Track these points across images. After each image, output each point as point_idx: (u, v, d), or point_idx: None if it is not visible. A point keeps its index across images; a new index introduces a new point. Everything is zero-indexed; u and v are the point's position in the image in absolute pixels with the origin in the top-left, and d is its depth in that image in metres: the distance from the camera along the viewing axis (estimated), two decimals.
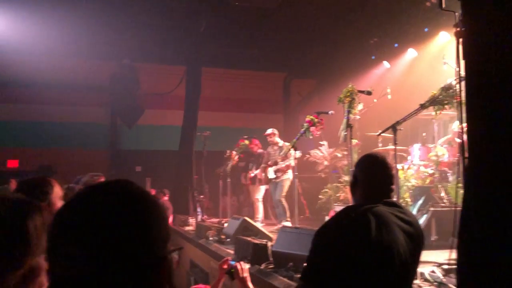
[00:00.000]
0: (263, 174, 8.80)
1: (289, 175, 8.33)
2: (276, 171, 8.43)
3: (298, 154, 8.10)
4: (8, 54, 10.85)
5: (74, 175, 5.46)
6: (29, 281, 1.01)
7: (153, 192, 10.79)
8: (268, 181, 8.70)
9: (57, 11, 9.74)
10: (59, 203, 2.25)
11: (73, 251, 0.80)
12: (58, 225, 0.84)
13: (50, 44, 10.65)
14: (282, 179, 8.37)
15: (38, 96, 12.19)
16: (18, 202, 1.08)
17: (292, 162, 8.05)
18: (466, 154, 2.46)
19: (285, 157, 8.18)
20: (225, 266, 2.96)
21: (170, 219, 10.31)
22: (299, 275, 1.94)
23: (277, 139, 8.65)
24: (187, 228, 9.33)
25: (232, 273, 2.81)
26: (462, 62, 2.53)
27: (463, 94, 2.61)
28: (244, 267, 2.82)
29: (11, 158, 12.45)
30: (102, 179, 5.06)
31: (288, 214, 8.02)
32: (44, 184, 2.32)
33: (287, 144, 8.30)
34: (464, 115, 2.54)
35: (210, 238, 6.84)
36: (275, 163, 8.39)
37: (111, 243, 0.80)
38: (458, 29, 2.64)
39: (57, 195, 2.34)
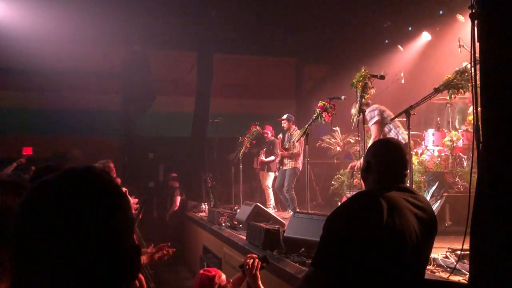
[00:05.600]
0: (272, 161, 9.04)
1: (288, 165, 8.55)
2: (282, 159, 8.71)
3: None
4: (20, 42, 10.92)
5: (88, 162, 5.51)
6: None
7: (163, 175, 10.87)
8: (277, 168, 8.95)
9: None
10: None
11: (40, 247, 0.78)
12: (23, 221, 0.81)
13: (61, 31, 10.67)
14: (286, 168, 8.58)
15: (50, 84, 12.26)
16: None
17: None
18: (481, 139, 2.41)
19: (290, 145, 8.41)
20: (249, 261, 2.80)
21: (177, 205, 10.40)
22: (310, 261, 1.93)
23: (293, 126, 8.67)
24: (200, 214, 9.41)
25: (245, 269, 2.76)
26: (477, 45, 2.47)
27: (478, 77, 2.56)
28: (257, 264, 2.74)
29: (26, 145, 12.60)
30: (111, 165, 5.09)
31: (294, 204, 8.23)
32: None
33: (297, 132, 8.40)
34: (479, 99, 2.50)
35: (223, 224, 6.89)
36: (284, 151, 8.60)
37: (79, 237, 0.78)
38: (473, 11, 2.58)
39: None
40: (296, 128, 8.62)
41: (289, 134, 8.67)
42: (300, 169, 8.45)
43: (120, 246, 0.84)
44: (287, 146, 8.57)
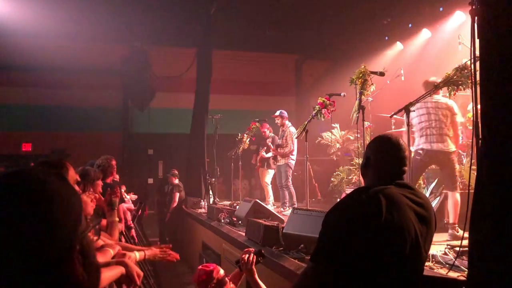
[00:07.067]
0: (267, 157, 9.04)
1: (281, 161, 8.54)
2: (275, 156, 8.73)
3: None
4: (20, 38, 10.91)
5: (87, 159, 5.52)
6: None
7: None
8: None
9: None
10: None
11: None
12: None
13: (60, 28, 10.66)
14: (279, 164, 8.60)
15: (50, 80, 12.26)
16: None
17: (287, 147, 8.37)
18: (480, 136, 2.41)
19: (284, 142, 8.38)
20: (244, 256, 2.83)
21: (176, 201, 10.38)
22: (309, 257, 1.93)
23: (286, 122, 8.62)
24: (199, 210, 9.42)
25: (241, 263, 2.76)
26: (477, 42, 2.46)
27: (478, 74, 2.55)
28: (252, 259, 2.75)
29: (25, 142, 12.61)
30: (113, 162, 5.09)
31: (294, 199, 8.25)
32: (60, 166, 2.25)
33: (290, 128, 8.39)
34: (478, 96, 2.49)
35: (222, 221, 6.89)
36: (277, 147, 8.59)
37: (8, 241, 0.79)
38: (473, 7, 2.57)
39: (72, 179, 2.29)
40: (290, 124, 8.60)
41: (282, 131, 8.64)
42: (293, 163, 8.44)
43: (49, 245, 0.84)
44: (280, 143, 8.56)
